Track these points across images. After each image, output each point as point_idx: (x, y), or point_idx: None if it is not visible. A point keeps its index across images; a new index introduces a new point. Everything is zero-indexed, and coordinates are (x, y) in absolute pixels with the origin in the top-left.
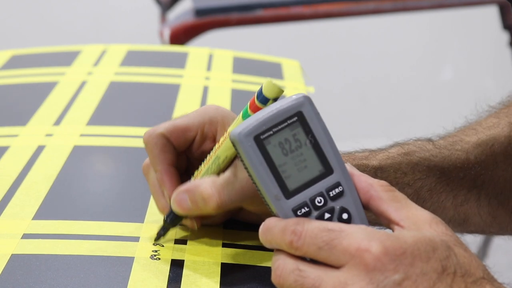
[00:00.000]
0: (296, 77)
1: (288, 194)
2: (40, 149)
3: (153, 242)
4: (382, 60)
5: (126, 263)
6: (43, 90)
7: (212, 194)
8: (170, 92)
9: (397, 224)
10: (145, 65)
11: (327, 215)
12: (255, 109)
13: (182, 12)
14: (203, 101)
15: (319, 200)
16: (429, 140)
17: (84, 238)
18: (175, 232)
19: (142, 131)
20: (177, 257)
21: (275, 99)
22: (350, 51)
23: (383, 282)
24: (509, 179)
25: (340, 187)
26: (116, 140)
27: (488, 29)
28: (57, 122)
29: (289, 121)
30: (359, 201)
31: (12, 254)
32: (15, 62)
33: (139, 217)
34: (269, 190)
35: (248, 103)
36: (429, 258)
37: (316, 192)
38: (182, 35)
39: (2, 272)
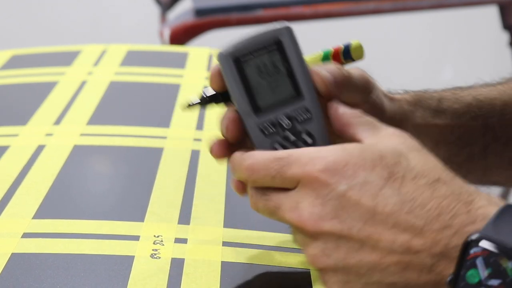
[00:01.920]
0: None
1: (259, 112)
2: (40, 149)
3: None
4: (382, 60)
5: (126, 262)
6: (43, 90)
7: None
8: (170, 92)
9: (361, 142)
10: (145, 65)
11: (292, 137)
12: (337, 60)
13: (182, 12)
14: None
15: (287, 122)
16: (480, 84)
17: (84, 237)
18: (175, 232)
19: (142, 131)
20: (178, 255)
21: (355, 61)
22: None
23: (328, 195)
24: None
25: (308, 113)
26: (116, 139)
27: (488, 29)
28: (57, 121)
29: (268, 48)
30: (325, 128)
31: (12, 253)
32: (15, 62)
33: (139, 216)
34: (242, 106)
35: (332, 50)
36: (375, 166)
37: (285, 114)
38: (182, 35)
39: (2, 271)
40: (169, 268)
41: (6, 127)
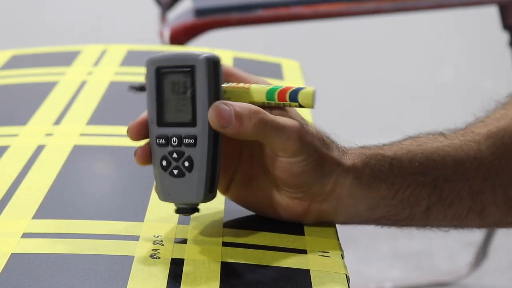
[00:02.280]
0: (296, 77)
1: (160, 123)
2: (40, 149)
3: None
4: (382, 60)
5: (126, 262)
6: (43, 90)
7: (260, 110)
8: None
9: None
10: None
11: (175, 155)
12: (282, 99)
13: (182, 12)
14: None
15: (174, 140)
16: (440, 133)
17: (84, 237)
18: (175, 232)
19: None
20: (177, 256)
21: (304, 107)
22: (350, 51)
23: None
24: None
25: (194, 139)
26: (116, 139)
27: (488, 29)
28: (57, 122)
29: (185, 69)
30: (206, 158)
31: (12, 253)
32: (15, 62)
33: (139, 216)
34: (150, 113)
35: (282, 87)
36: None
37: (176, 133)
38: (182, 35)
39: (2, 271)
40: (168, 268)
41: (6, 127)
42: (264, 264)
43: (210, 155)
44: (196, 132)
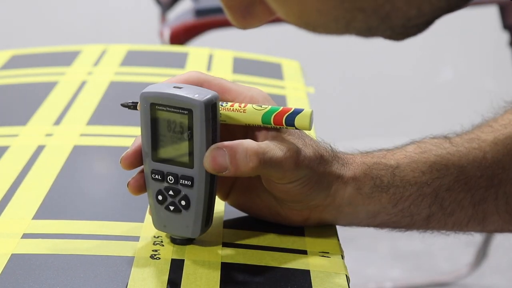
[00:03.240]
0: (296, 77)
1: (155, 158)
2: (40, 149)
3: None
4: (382, 60)
5: (126, 262)
6: (43, 90)
7: (257, 150)
8: None
9: None
10: (145, 65)
11: (171, 192)
12: (278, 123)
13: (182, 12)
14: None
15: (171, 179)
16: (446, 137)
17: (84, 238)
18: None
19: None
20: (177, 256)
21: (300, 130)
22: (350, 51)
23: None
24: None
25: (190, 181)
26: (116, 140)
27: (488, 29)
28: (57, 122)
29: (181, 110)
30: (203, 197)
31: (12, 254)
32: (15, 62)
33: (139, 216)
34: (144, 147)
35: (279, 110)
36: None
37: (173, 172)
38: (182, 35)
39: (2, 271)
40: (169, 269)
41: (6, 127)
42: (264, 264)
43: (207, 194)
44: (193, 174)
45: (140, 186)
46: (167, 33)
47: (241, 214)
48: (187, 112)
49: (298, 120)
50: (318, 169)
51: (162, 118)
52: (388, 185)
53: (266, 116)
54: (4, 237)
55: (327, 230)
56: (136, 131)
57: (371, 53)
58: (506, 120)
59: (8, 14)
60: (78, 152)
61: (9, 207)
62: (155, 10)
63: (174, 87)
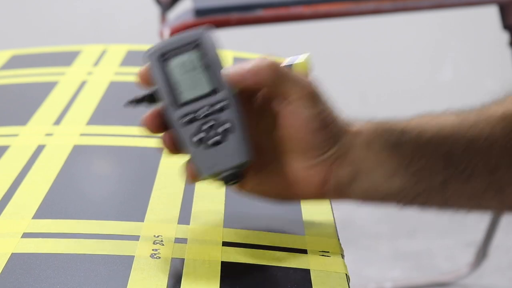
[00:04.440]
0: None
1: (179, 104)
2: (40, 149)
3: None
4: (382, 60)
5: (126, 262)
6: (43, 90)
7: (273, 62)
8: None
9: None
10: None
11: (206, 126)
12: None
13: (182, 12)
14: None
15: (202, 112)
16: (452, 113)
17: (84, 237)
18: (176, 231)
19: (142, 131)
20: (177, 255)
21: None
22: (350, 51)
23: None
24: None
25: (223, 101)
26: (116, 139)
27: (488, 29)
28: (57, 122)
29: (189, 46)
30: (238, 116)
31: (12, 253)
32: (15, 62)
33: (139, 216)
34: (165, 100)
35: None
36: None
37: (201, 106)
38: None
39: (2, 271)
40: (169, 268)
41: (6, 127)
42: (264, 264)
43: (240, 114)
44: (222, 97)
45: (176, 142)
46: (167, 33)
47: (241, 214)
48: (196, 44)
49: (296, 69)
50: (333, 109)
51: (173, 64)
52: (397, 144)
53: None
54: (4, 237)
55: (327, 229)
56: (136, 131)
57: (371, 53)
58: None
59: (8, 14)
60: (78, 152)
61: (9, 207)
62: (155, 10)
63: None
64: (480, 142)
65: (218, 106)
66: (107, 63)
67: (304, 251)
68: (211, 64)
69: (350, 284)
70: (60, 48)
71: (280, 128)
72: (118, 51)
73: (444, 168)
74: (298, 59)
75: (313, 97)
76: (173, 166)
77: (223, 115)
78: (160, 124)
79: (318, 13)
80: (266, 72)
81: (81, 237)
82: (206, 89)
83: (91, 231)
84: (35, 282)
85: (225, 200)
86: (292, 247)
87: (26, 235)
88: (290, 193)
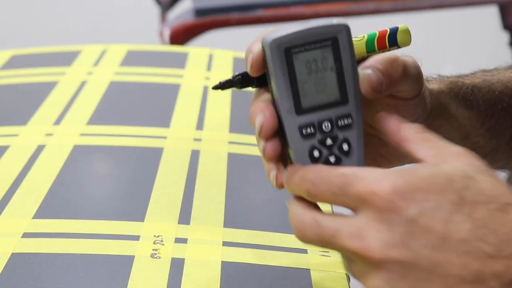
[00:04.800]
0: None
1: (300, 111)
2: (40, 149)
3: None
4: None
5: (126, 262)
6: (43, 90)
7: (395, 57)
8: (170, 92)
9: (423, 162)
10: (145, 65)
11: (329, 141)
12: (382, 47)
13: (182, 12)
14: (203, 101)
15: (326, 125)
16: (509, 67)
17: (84, 237)
18: (175, 232)
19: (142, 131)
20: (178, 255)
21: (400, 47)
22: None
23: (396, 221)
24: None
25: (350, 118)
26: (116, 139)
27: (488, 29)
28: (57, 122)
29: (322, 43)
30: (363, 138)
31: (12, 253)
32: (15, 62)
33: (139, 216)
34: (284, 103)
35: (377, 34)
36: (445, 190)
37: (326, 117)
38: (182, 35)
39: (2, 271)
40: (169, 268)
41: (6, 127)
42: (264, 264)
43: (363, 132)
44: (350, 109)
45: (277, 152)
46: (167, 33)
47: (241, 214)
48: (330, 42)
49: (399, 37)
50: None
51: (299, 61)
52: (472, 102)
53: (369, 44)
54: (5, 237)
55: None
56: (136, 131)
57: None
58: None
59: (8, 14)
60: (78, 152)
61: (9, 207)
62: (155, 10)
63: (300, 24)
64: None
65: (344, 122)
66: (107, 63)
67: (304, 251)
68: (345, 67)
69: (350, 284)
70: (60, 48)
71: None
72: (118, 51)
73: (511, 126)
74: (400, 28)
75: (421, 86)
76: (173, 166)
77: (346, 133)
78: (275, 130)
79: (318, 13)
80: (397, 71)
81: (81, 237)
82: (333, 96)
83: (91, 231)
84: (35, 282)
85: (225, 200)
86: (293, 247)
87: (26, 235)
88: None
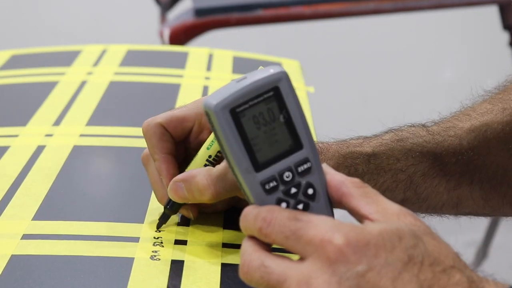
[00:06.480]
0: (296, 77)
1: (258, 167)
2: (40, 149)
3: (155, 230)
4: (382, 60)
5: (126, 263)
6: (43, 90)
7: (207, 185)
8: (170, 92)
9: (367, 218)
10: (145, 65)
11: (293, 190)
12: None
13: (182, 12)
14: None
15: (287, 175)
16: (423, 126)
17: (83, 239)
18: (175, 232)
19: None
20: (177, 257)
21: None
22: (350, 51)
23: (346, 274)
24: (501, 164)
25: (308, 162)
26: (116, 140)
27: (488, 29)
28: (57, 122)
29: (265, 95)
30: (324, 179)
31: (12, 255)
32: (15, 62)
33: (139, 217)
34: (240, 163)
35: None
36: (394, 248)
37: (285, 167)
38: (182, 35)
39: (2, 272)
40: (169, 269)
41: (6, 127)
42: None
43: (324, 172)
44: (307, 153)
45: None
46: (167, 33)
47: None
48: (272, 92)
49: None
50: None
51: (246, 119)
52: (363, 173)
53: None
54: (4, 238)
55: None
56: (136, 131)
57: (371, 53)
58: (483, 109)
59: (8, 14)
60: (78, 152)
61: (9, 208)
62: (155, 10)
63: (237, 81)
64: (446, 159)
65: (302, 167)
66: (107, 63)
67: None
68: (292, 113)
69: None
70: (60, 48)
71: None
72: (118, 51)
73: (405, 191)
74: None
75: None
76: None
77: (307, 177)
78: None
79: (318, 13)
80: (203, 199)
81: (80, 239)
82: (287, 144)
83: (90, 233)
84: (35, 283)
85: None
86: None
87: (25, 236)
88: None
